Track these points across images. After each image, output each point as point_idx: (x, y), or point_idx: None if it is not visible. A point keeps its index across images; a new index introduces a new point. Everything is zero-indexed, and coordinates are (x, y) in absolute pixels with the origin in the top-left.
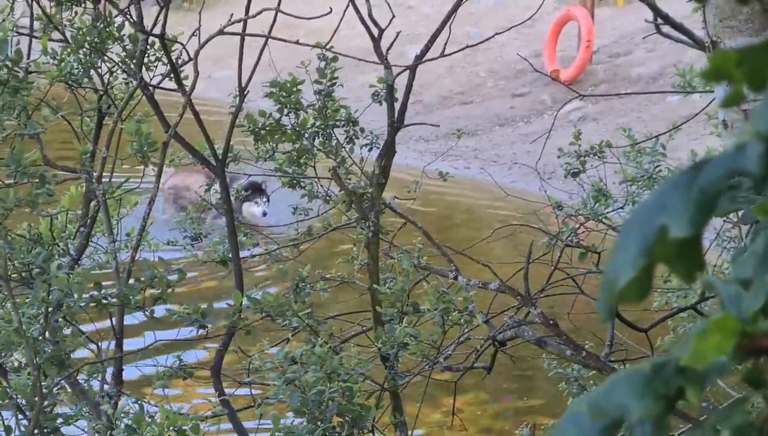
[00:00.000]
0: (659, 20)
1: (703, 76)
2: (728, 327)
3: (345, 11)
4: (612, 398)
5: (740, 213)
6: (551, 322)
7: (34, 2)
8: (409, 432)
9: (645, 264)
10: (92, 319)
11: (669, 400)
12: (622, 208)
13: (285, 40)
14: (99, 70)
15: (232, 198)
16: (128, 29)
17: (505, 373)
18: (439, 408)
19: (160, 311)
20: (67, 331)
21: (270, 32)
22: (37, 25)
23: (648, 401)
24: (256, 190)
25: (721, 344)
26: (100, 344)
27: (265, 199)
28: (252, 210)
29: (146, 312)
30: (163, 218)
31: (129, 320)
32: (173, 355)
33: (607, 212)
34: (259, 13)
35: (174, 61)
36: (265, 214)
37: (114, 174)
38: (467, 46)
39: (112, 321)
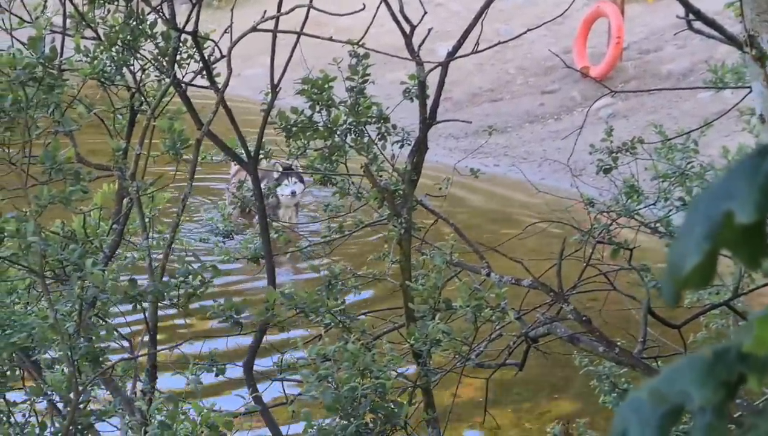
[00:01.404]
0: (691, 16)
1: None
2: None
3: (378, 8)
4: (673, 385)
5: None
6: (584, 318)
7: (67, 0)
8: (442, 429)
9: (710, 249)
10: (125, 315)
11: (730, 387)
12: (653, 204)
13: (318, 37)
14: (132, 67)
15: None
16: (161, 27)
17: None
18: (472, 404)
19: (193, 307)
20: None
21: (302, 30)
22: (70, 23)
23: (709, 388)
24: (284, 172)
25: None
26: (133, 340)
27: (294, 180)
28: (280, 191)
29: (180, 308)
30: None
31: (162, 316)
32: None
33: (639, 209)
34: (292, 10)
35: (206, 58)
36: (294, 193)
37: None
38: (498, 43)
39: (145, 317)
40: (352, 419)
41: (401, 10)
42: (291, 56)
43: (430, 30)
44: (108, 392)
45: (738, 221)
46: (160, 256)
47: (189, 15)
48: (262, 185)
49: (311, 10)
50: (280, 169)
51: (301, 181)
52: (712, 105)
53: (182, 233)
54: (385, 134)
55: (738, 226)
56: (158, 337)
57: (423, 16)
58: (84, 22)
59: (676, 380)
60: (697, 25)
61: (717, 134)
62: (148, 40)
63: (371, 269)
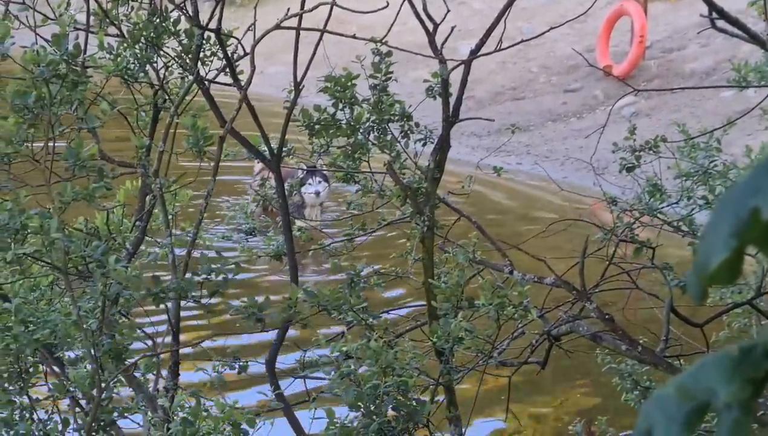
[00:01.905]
0: (714, 15)
1: None
2: None
3: (401, 6)
4: (699, 381)
5: None
6: (607, 317)
7: None
8: (464, 427)
9: (737, 246)
10: (148, 313)
11: (757, 384)
12: (676, 203)
13: (341, 35)
14: (155, 64)
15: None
16: (184, 24)
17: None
18: (494, 403)
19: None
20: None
21: (325, 27)
22: (93, 20)
23: (736, 384)
24: (308, 172)
25: None
26: (155, 337)
27: (319, 179)
28: (304, 191)
29: (203, 305)
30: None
31: (185, 313)
32: (229, 347)
33: (662, 207)
34: (315, 7)
35: (230, 55)
36: (318, 193)
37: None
38: (521, 42)
39: (168, 314)
40: (374, 417)
41: (424, 9)
42: (314, 54)
43: (453, 28)
44: (131, 390)
45: (765, 218)
46: (183, 253)
47: (212, 12)
48: (286, 184)
49: (334, 7)
50: (305, 168)
51: (326, 180)
52: (735, 104)
53: (205, 230)
54: (408, 132)
55: (765, 222)
56: (181, 334)
57: (446, 15)
58: (108, 20)
59: (702, 377)
60: (721, 23)
61: (740, 133)
62: (172, 38)
63: (394, 267)
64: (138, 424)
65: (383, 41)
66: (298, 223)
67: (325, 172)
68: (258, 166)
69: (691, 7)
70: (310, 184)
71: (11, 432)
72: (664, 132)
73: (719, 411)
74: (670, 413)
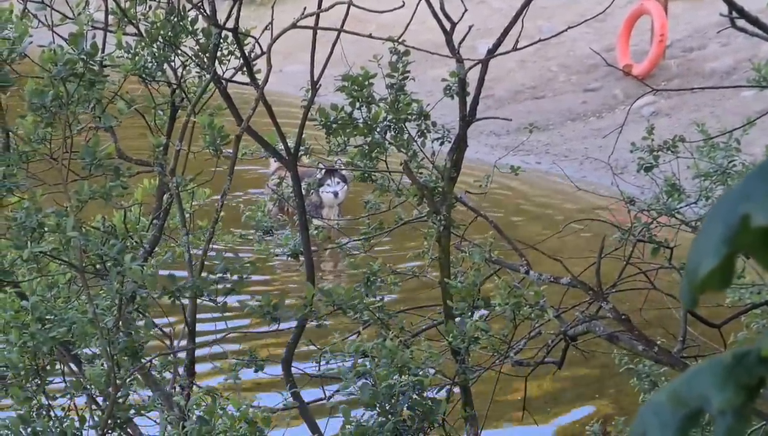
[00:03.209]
0: (734, 14)
1: None
2: None
3: (417, 5)
4: (693, 388)
5: None
6: (623, 317)
7: None
8: (480, 426)
9: (727, 253)
10: (165, 312)
11: (751, 391)
12: (695, 203)
13: (358, 34)
14: (172, 63)
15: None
16: (201, 23)
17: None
18: (510, 403)
19: (231, 303)
20: (140, 323)
21: (342, 26)
22: (111, 19)
23: (729, 391)
24: (327, 173)
25: None
26: (172, 335)
27: (336, 180)
28: (322, 191)
29: (218, 304)
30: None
31: (201, 311)
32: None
33: (680, 207)
34: (332, 6)
35: (247, 54)
36: (336, 194)
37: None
38: (539, 40)
39: (184, 313)
40: (389, 416)
41: (442, 8)
42: (331, 53)
43: (470, 27)
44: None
45: (755, 224)
46: (200, 251)
47: (230, 11)
48: (303, 183)
49: (352, 6)
50: (323, 168)
51: (345, 181)
52: (755, 103)
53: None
54: (425, 131)
55: (755, 229)
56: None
57: (463, 13)
58: (126, 19)
59: (695, 384)
60: (741, 23)
61: (760, 133)
62: (189, 37)
63: (410, 266)
64: (154, 421)
65: (401, 40)
66: (315, 222)
67: (344, 172)
68: (274, 165)
69: (712, 6)
70: (328, 184)
71: (28, 429)
72: (684, 132)
73: (713, 418)
74: (664, 420)
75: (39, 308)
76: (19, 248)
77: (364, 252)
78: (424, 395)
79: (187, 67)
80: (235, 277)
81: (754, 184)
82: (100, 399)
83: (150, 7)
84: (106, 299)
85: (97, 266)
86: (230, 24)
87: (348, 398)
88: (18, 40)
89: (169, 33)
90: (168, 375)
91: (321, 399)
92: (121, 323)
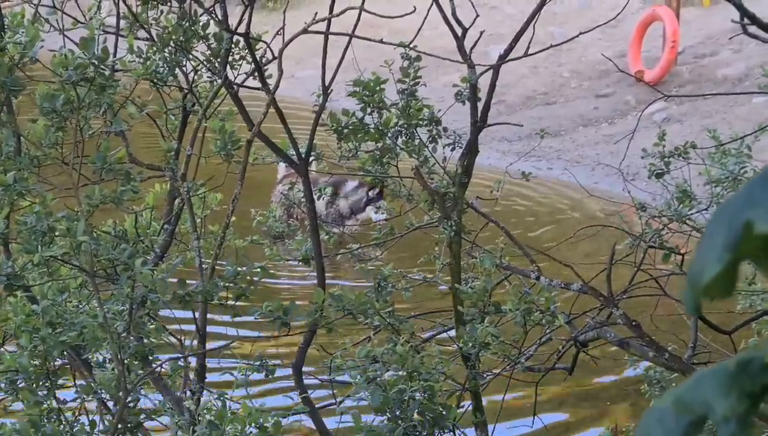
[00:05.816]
0: (746, 20)
1: None
2: None
3: (429, 10)
4: (696, 395)
5: None
6: (634, 323)
7: (120, 1)
8: (490, 432)
9: (730, 259)
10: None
11: (754, 398)
12: (706, 209)
13: (369, 39)
14: (184, 68)
15: (315, 197)
16: (213, 28)
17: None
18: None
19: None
20: (151, 327)
21: (354, 31)
22: (123, 24)
23: (732, 398)
24: (380, 194)
25: None
26: (183, 339)
27: (384, 203)
28: (370, 211)
29: (230, 309)
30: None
31: (212, 316)
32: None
33: (692, 214)
34: (344, 11)
35: (258, 59)
36: (385, 218)
37: None
38: (551, 46)
39: (195, 317)
40: (400, 421)
41: (453, 13)
42: (342, 58)
43: (482, 33)
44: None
45: (757, 231)
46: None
47: (241, 16)
48: (327, 189)
49: (363, 12)
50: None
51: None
52: (767, 110)
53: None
54: (436, 137)
55: (758, 235)
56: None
57: (475, 19)
58: (137, 23)
59: (699, 391)
60: (753, 29)
61: None
62: (201, 42)
63: (421, 271)
64: (165, 426)
65: (412, 46)
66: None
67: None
68: (283, 170)
69: (724, 12)
70: (379, 207)
71: (39, 434)
72: (696, 138)
73: (717, 425)
74: (667, 426)
75: (50, 312)
76: (29, 252)
77: (375, 257)
78: (435, 400)
79: (199, 72)
80: (245, 282)
81: (758, 191)
82: (110, 403)
83: (162, 11)
84: (117, 303)
85: (108, 271)
86: (242, 29)
87: (358, 404)
88: (29, 45)
89: (181, 38)
90: (179, 380)
91: (332, 404)
92: (131, 327)
